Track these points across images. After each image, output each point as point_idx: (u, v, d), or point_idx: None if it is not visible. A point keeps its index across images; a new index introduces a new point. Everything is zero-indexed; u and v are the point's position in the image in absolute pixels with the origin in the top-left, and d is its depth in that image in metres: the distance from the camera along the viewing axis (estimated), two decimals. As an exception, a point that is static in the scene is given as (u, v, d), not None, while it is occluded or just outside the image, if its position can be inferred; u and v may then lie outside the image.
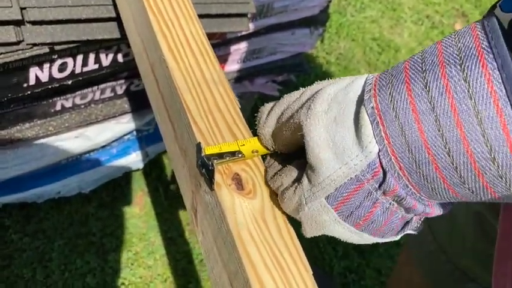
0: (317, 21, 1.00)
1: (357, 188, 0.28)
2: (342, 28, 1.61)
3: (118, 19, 0.66)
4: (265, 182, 0.36)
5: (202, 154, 0.34)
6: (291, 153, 0.34)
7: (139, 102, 0.90)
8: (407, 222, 0.31)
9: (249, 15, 0.80)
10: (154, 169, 1.19)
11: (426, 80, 0.25)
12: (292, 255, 0.33)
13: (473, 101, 0.24)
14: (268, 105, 0.35)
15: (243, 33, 0.85)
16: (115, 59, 0.75)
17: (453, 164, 0.25)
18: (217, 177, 0.34)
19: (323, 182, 0.29)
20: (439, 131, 0.25)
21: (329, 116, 0.29)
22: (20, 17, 0.58)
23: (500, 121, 0.23)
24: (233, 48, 0.90)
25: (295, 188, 0.31)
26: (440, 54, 0.25)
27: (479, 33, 0.24)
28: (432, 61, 0.26)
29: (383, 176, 0.28)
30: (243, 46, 0.91)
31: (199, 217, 0.39)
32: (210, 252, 0.38)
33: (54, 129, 0.83)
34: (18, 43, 0.60)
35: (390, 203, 0.29)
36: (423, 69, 0.26)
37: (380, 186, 0.28)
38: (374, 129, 0.27)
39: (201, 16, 0.46)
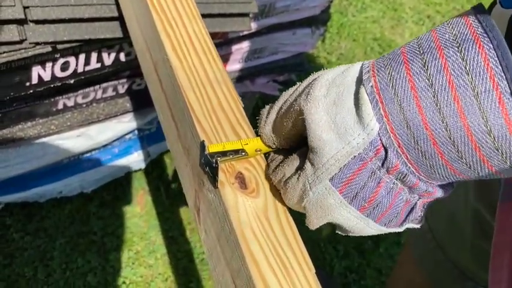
0: (318, 21, 1.00)
1: (361, 168, 0.29)
2: (343, 28, 1.61)
3: (120, 18, 0.66)
4: (266, 177, 0.36)
5: (206, 152, 0.34)
6: (293, 148, 0.34)
7: (140, 102, 0.90)
8: (411, 210, 0.31)
9: (250, 15, 0.80)
10: (155, 168, 1.19)
11: (425, 60, 0.26)
12: (295, 253, 0.33)
13: (470, 76, 0.25)
14: (268, 106, 0.36)
15: (245, 32, 0.85)
16: (117, 58, 0.75)
17: (450, 139, 0.26)
18: (221, 175, 0.34)
19: (327, 163, 0.29)
20: (437, 105, 0.25)
21: (328, 99, 0.29)
22: (23, 16, 0.59)
23: (496, 94, 0.24)
24: (235, 47, 0.90)
25: (299, 176, 0.31)
26: (436, 40, 0.26)
27: (472, 22, 0.25)
28: (429, 46, 0.27)
29: (385, 153, 0.28)
30: (244, 46, 0.92)
31: (202, 215, 0.39)
32: (212, 250, 0.38)
33: (56, 128, 0.83)
34: (21, 42, 0.60)
35: (393, 183, 0.29)
36: (421, 52, 0.27)
37: (382, 164, 0.28)
38: (373, 107, 0.28)
39: (203, 16, 0.46)
